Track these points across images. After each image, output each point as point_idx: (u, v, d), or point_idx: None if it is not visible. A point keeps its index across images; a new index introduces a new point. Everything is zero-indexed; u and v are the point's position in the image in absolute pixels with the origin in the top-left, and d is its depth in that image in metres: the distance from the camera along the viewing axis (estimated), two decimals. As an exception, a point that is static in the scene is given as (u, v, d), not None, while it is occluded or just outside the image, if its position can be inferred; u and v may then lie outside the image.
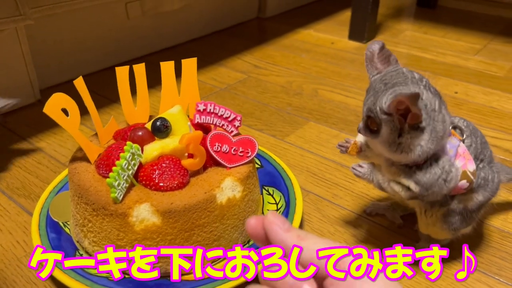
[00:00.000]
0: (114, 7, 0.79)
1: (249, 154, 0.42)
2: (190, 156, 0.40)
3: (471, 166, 0.37)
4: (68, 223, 0.43)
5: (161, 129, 0.41)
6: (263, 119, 0.67)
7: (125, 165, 0.36)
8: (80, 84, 0.42)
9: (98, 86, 0.75)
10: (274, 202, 0.47)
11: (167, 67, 0.47)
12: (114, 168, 0.36)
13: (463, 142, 0.37)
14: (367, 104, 0.35)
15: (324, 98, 0.73)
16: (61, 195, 0.46)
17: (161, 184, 0.38)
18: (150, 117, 0.48)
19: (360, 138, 0.41)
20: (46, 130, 0.63)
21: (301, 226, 0.46)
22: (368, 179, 0.40)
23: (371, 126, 0.35)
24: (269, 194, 0.48)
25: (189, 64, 0.47)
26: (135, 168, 0.38)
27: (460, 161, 0.36)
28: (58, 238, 0.41)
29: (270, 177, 0.49)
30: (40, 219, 0.42)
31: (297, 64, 0.86)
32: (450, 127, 0.37)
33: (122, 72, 0.45)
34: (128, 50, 0.84)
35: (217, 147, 0.41)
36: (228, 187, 0.39)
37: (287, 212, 0.44)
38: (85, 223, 0.38)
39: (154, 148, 0.40)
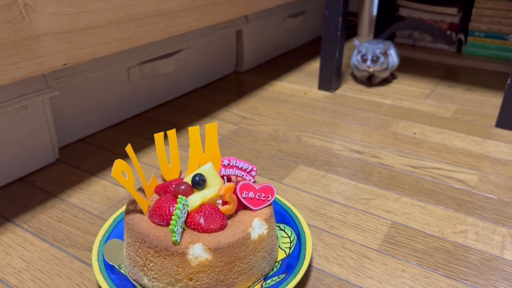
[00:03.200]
0: (118, 73, 0.89)
1: (269, 198, 0.53)
2: (225, 203, 0.50)
3: None
4: (121, 265, 0.52)
5: (200, 183, 0.51)
6: (260, 165, 0.78)
7: (180, 214, 0.46)
8: (130, 150, 0.51)
9: (105, 142, 0.85)
10: (287, 235, 0.57)
11: (193, 132, 0.57)
12: (173, 217, 0.45)
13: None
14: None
15: (307, 144, 0.86)
16: (110, 243, 0.55)
17: (207, 227, 0.48)
18: (180, 172, 0.58)
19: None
20: (73, 186, 0.71)
21: (310, 253, 0.57)
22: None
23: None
24: (281, 229, 0.59)
25: (211, 128, 0.58)
26: (185, 216, 0.48)
27: None
28: (118, 279, 0.50)
29: (279, 215, 0.60)
30: (99, 264, 0.51)
31: (279, 113, 0.99)
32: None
33: (159, 139, 0.55)
34: (129, 108, 0.94)
35: (245, 194, 0.52)
36: (257, 226, 0.50)
37: (299, 243, 0.55)
38: (147, 263, 0.48)
39: (197, 199, 0.50)
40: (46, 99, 0.73)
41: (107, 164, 0.77)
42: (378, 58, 1.09)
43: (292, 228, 0.58)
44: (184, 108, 1.01)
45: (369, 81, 1.19)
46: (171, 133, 0.57)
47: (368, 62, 1.09)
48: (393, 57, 1.13)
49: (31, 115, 0.71)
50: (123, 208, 0.60)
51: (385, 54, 1.10)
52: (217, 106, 1.02)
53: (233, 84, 1.17)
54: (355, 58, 1.13)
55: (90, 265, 0.55)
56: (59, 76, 0.75)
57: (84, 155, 0.80)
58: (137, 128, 0.91)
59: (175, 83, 1.05)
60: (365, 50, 1.10)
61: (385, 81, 1.19)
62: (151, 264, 0.47)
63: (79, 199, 0.68)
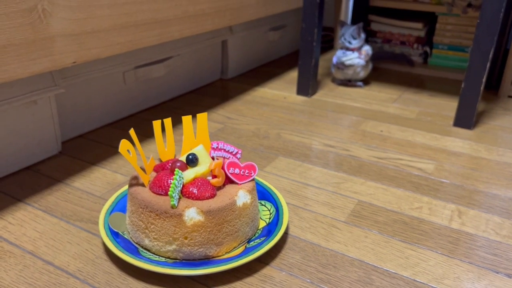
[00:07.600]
0: (115, 76, 0.98)
1: (252, 174, 0.62)
2: (214, 177, 0.59)
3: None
4: (124, 232, 0.60)
5: (193, 160, 0.60)
6: (244, 156, 0.87)
7: (177, 183, 0.55)
8: (133, 133, 0.60)
9: (103, 138, 0.93)
10: (267, 209, 0.67)
11: (186, 120, 0.66)
12: (171, 185, 0.54)
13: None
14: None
15: (286, 139, 0.95)
16: (114, 215, 0.63)
17: (199, 195, 0.57)
18: (175, 155, 0.67)
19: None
20: (76, 173, 0.79)
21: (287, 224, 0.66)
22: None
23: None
24: (262, 205, 0.68)
25: (202, 117, 0.67)
26: (181, 186, 0.57)
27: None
28: (122, 241, 0.58)
29: (261, 194, 0.70)
30: (106, 230, 0.59)
31: (261, 115, 1.09)
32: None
33: (157, 125, 0.64)
34: (124, 109, 1.03)
35: (232, 170, 0.61)
36: (242, 196, 0.59)
37: (277, 214, 0.64)
38: (148, 226, 0.56)
39: (191, 173, 0.59)
40: (53, 95, 0.81)
41: (106, 156, 0.85)
42: (360, 32, 1.27)
43: (272, 203, 0.67)
44: (174, 110, 1.10)
45: (349, 81, 1.32)
46: (167, 121, 0.66)
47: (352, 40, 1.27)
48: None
49: (39, 110, 0.80)
50: (123, 189, 0.68)
51: (360, 31, 1.28)
52: (204, 108, 1.12)
53: (218, 90, 1.27)
54: (342, 39, 1.29)
55: (97, 235, 0.63)
56: (65, 75, 0.84)
57: (84, 149, 0.88)
58: (131, 127, 0.99)
59: (166, 87, 1.14)
60: (344, 31, 1.28)
61: (357, 87, 1.30)
62: (152, 226, 0.56)
63: (82, 183, 0.76)
